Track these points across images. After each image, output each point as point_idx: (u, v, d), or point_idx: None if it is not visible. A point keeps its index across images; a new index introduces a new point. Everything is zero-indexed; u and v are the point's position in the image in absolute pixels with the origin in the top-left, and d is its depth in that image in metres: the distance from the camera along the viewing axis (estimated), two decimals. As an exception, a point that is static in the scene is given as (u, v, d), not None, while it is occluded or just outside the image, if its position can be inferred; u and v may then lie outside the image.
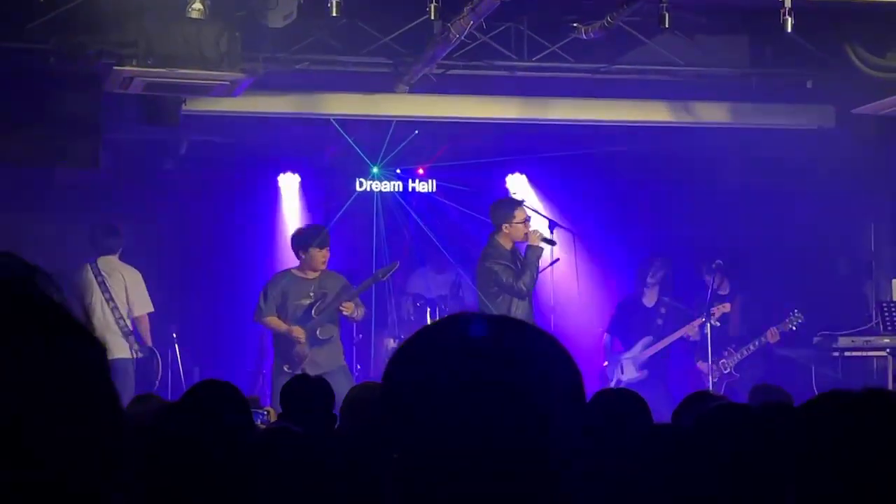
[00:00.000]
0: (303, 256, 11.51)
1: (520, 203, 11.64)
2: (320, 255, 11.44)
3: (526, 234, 11.30)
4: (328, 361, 11.26)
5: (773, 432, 3.49)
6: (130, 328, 11.65)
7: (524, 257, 11.26)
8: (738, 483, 3.49)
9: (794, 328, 11.88)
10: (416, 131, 12.68)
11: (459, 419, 1.68)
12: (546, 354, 1.79)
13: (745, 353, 11.89)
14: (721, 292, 12.18)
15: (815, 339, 12.29)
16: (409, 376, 1.78)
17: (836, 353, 12.29)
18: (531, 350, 1.78)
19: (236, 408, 4.58)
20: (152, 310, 11.81)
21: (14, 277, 1.26)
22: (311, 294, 11.45)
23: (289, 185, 14.03)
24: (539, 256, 11.26)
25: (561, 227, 12.29)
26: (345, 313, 11.39)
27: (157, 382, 11.62)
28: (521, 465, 1.69)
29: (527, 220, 11.42)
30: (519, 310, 11.12)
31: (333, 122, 12.24)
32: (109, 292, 11.60)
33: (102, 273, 11.67)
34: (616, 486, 3.25)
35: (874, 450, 2.60)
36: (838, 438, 2.80)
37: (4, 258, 1.28)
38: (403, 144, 12.93)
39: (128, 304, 11.68)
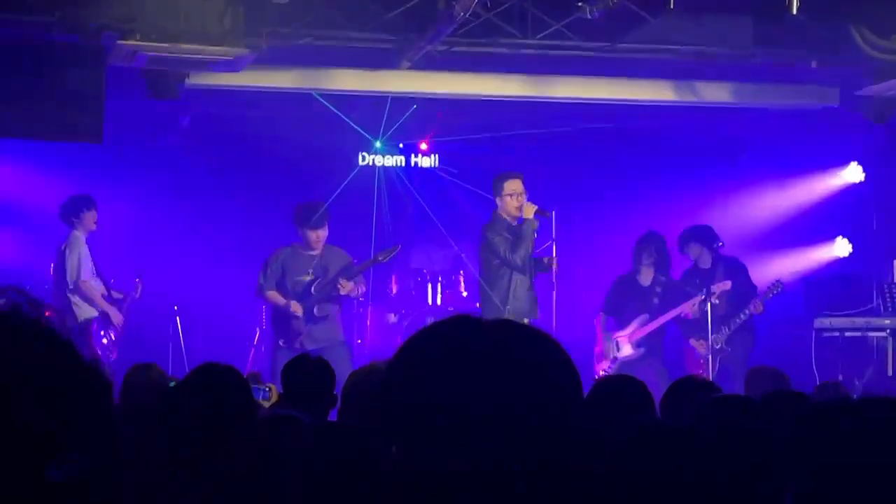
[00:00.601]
0: (301, 234, 11.53)
1: (513, 175, 11.42)
2: (314, 236, 11.44)
3: (518, 207, 11.23)
4: (325, 337, 11.28)
5: (776, 429, 3.51)
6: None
7: (519, 230, 11.22)
8: (738, 479, 3.50)
9: (775, 294, 11.88)
10: (415, 105, 12.68)
11: (459, 424, 1.70)
12: (544, 359, 1.81)
13: (732, 326, 11.91)
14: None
15: (816, 320, 12.32)
16: (410, 380, 1.79)
17: (836, 334, 12.33)
18: (530, 354, 1.80)
19: (237, 392, 4.60)
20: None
21: (21, 314, 1.28)
22: (311, 272, 11.46)
23: (291, 157, 14.00)
24: (534, 229, 11.19)
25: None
26: (342, 292, 11.38)
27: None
28: (518, 466, 1.71)
29: (519, 193, 11.27)
30: (520, 285, 11.12)
31: (318, 98, 12.20)
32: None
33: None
34: (614, 481, 3.26)
35: (879, 451, 2.63)
36: (842, 438, 2.82)
37: (13, 292, 1.30)
38: (405, 118, 12.94)
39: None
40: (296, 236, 11.66)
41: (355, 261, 11.65)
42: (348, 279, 11.40)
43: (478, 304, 11.54)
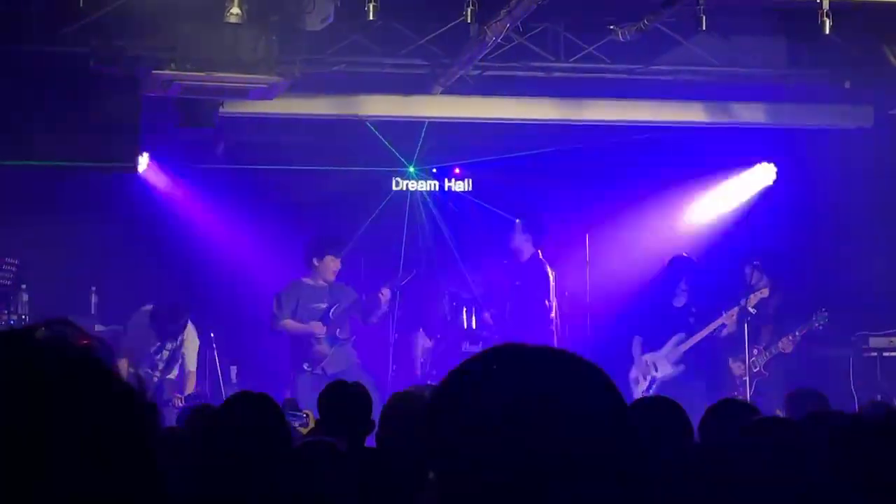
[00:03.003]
0: (315, 264, 11.57)
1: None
2: (333, 265, 11.53)
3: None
4: (347, 361, 11.36)
5: (819, 451, 3.49)
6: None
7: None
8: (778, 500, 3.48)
9: (819, 327, 11.80)
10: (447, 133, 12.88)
11: (504, 451, 1.70)
12: (590, 385, 1.80)
13: (768, 355, 11.83)
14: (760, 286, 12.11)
15: (853, 339, 12.23)
16: (455, 407, 1.79)
17: (873, 354, 12.23)
18: (575, 381, 1.79)
19: (273, 419, 4.60)
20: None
21: (69, 345, 1.30)
22: (324, 300, 11.57)
23: (324, 184, 14.03)
24: None
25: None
26: (383, 300, 11.50)
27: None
28: (562, 494, 1.71)
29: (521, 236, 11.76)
30: None
31: (368, 125, 12.28)
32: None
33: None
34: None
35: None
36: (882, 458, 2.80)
37: (60, 326, 1.32)
38: (437, 144, 12.98)
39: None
40: (303, 270, 11.73)
41: (363, 296, 11.78)
42: (365, 315, 11.55)
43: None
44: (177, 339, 11.65)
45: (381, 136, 12.66)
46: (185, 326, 11.76)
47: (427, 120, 12.35)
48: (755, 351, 11.90)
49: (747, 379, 11.61)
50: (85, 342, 1.33)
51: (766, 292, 11.84)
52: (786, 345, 11.78)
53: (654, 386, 11.97)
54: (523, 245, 12.02)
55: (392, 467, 3.64)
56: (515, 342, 1.92)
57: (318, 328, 11.38)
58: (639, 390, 11.94)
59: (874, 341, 12.23)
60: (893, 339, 12.26)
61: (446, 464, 1.74)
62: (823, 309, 11.85)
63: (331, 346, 11.36)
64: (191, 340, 11.81)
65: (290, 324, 11.52)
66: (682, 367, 12.03)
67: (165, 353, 11.61)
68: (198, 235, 13.44)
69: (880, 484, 3.17)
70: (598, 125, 12.36)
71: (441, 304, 13.33)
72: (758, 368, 11.78)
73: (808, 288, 12.67)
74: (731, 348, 11.98)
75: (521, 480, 1.68)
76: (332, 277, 11.57)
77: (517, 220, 12.14)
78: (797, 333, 11.79)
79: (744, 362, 11.62)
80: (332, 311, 11.44)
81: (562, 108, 12.08)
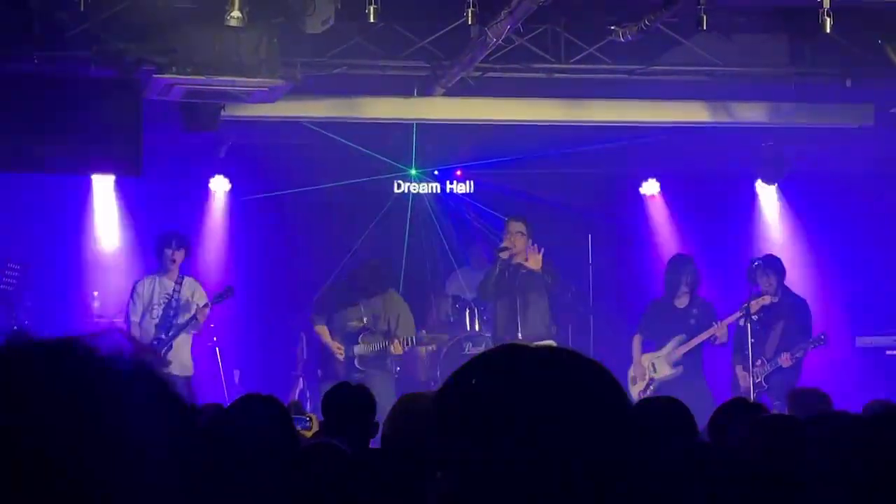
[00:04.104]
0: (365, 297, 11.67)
1: (512, 218, 11.81)
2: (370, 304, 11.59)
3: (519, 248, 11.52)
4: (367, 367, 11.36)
5: (826, 447, 3.49)
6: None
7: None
8: (781, 497, 3.48)
9: (813, 348, 11.75)
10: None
11: (511, 450, 1.70)
12: (594, 383, 1.81)
13: (769, 368, 11.82)
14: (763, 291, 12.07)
15: (857, 340, 12.23)
16: (460, 408, 1.79)
17: (874, 353, 12.23)
18: (579, 378, 1.80)
19: (279, 422, 4.60)
20: None
21: (123, 354, 1.33)
22: (363, 319, 11.53)
23: (327, 186, 14.04)
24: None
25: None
26: (393, 352, 11.48)
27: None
28: (568, 494, 1.71)
29: (519, 233, 11.54)
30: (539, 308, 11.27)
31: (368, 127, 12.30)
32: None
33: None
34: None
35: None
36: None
37: (115, 334, 1.34)
38: (438, 146, 12.98)
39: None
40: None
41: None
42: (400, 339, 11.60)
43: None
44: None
45: (380, 140, 12.68)
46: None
47: (428, 122, 12.34)
48: (759, 361, 11.88)
49: (751, 387, 11.54)
50: (139, 352, 1.36)
51: (767, 299, 11.82)
52: (785, 360, 11.76)
53: (651, 386, 11.96)
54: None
55: (397, 469, 3.64)
56: (518, 342, 1.93)
57: (338, 351, 11.39)
58: (636, 391, 11.93)
59: (875, 341, 12.24)
60: (895, 338, 12.27)
61: (452, 465, 1.75)
62: (823, 335, 11.79)
63: (347, 372, 11.29)
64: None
65: (321, 330, 11.56)
66: (680, 369, 12.02)
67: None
68: (201, 241, 13.45)
69: (884, 483, 3.17)
70: (600, 126, 12.36)
71: (443, 305, 13.34)
72: (759, 379, 11.75)
73: (808, 287, 12.67)
74: (735, 353, 11.94)
75: (526, 480, 1.68)
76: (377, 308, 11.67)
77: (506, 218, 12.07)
78: (796, 355, 11.75)
79: (748, 371, 11.57)
80: (361, 336, 11.49)
81: (563, 109, 12.08)
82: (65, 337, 1.34)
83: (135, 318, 11.22)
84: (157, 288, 11.21)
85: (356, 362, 11.39)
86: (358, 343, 11.40)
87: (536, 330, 11.29)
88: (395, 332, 11.56)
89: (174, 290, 11.15)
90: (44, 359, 1.32)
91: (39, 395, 1.28)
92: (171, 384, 1.37)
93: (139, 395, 1.33)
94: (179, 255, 11.22)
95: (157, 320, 11.16)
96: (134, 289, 11.40)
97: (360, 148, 12.60)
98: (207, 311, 11.18)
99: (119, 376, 1.32)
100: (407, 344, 11.60)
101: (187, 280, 11.37)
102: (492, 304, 11.69)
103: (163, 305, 11.13)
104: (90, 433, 1.28)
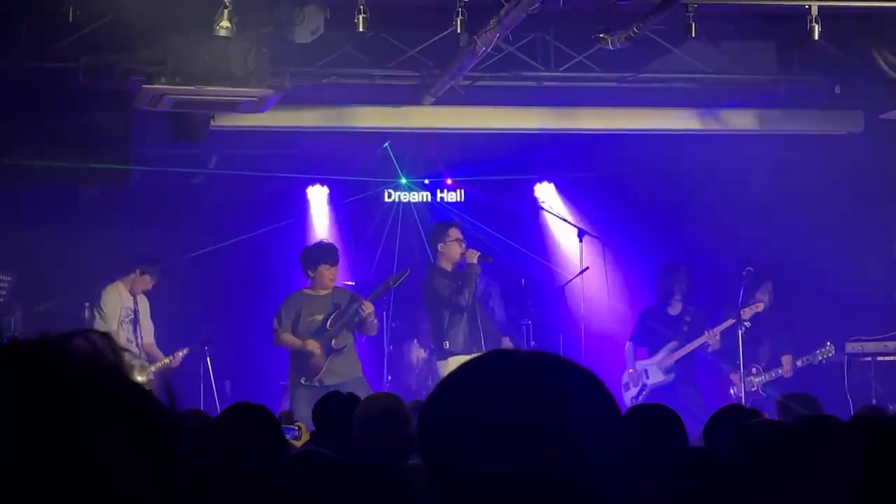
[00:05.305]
0: (311, 275, 11.45)
1: (453, 224, 11.76)
2: (329, 273, 11.39)
3: (462, 253, 11.38)
4: (345, 371, 11.18)
5: (815, 453, 3.49)
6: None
7: (463, 274, 11.35)
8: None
9: (822, 361, 11.76)
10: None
11: (494, 459, 1.70)
12: (582, 390, 1.80)
13: (768, 377, 11.82)
14: (757, 298, 12.08)
15: (847, 345, 12.22)
16: (446, 416, 1.79)
17: (867, 359, 12.22)
18: (568, 387, 1.79)
19: (268, 431, 4.60)
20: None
21: (102, 362, 1.32)
22: (323, 312, 11.43)
23: (317, 197, 14.05)
24: (477, 273, 11.32)
25: (590, 234, 12.37)
26: (364, 313, 11.27)
27: None
28: (558, 500, 1.70)
29: (460, 239, 11.49)
30: (462, 322, 11.21)
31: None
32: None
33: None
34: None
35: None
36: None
37: (95, 337, 1.33)
38: (428, 155, 12.98)
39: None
40: (302, 281, 11.63)
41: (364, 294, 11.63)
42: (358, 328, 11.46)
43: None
44: None
45: (384, 151, 12.69)
46: None
47: (418, 131, 12.34)
48: (754, 370, 11.88)
49: (742, 395, 11.54)
50: (118, 355, 1.35)
51: (760, 306, 11.82)
52: (787, 369, 11.76)
53: (643, 393, 11.97)
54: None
55: (385, 478, 3.64)
56: (507, 349, 1.92)
57: (312, 346, 11.25)
58: (628, 397, 11.94)
59: (868, 346, 12.23)
60: (887, 343, 12.26)
61: (441, 471, 1.74)
62: (829, 343, 11.80)
63: (327, 356, 11.25)
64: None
65: (287, 338, 11.41)
66: (672, 376, 12.04)
67: None
68: (190, 249, 13.43)
69: (873, 490, 3.17)
70: (589, 134, 12.37)
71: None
72: (756, 388, 11.75)
73: (801, 292, 12.66)
74: (727, 360, 11.94)
75: (515, 486, 1.68)
76: (331, 285, 11.47)
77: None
78: (798, 363, 11.76)
79: (741, 379, 11.57)
80: (329, 320, 11.33)
81: (553, 118, 12.09)
82: (35, 338, 1.33)
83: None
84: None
85: (333, 343, 11.28)
86: (327, 329, 11.29)
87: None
88: (358, 297, 11.48)
89: None
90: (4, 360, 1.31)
91: None
92: (139, 385, 1.35)
93: (111, 396, 1.32)
94: None
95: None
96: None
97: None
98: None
99: (83, 378, 1.31)
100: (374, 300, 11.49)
101: None
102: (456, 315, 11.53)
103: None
104: (51, 426, 1.27)
